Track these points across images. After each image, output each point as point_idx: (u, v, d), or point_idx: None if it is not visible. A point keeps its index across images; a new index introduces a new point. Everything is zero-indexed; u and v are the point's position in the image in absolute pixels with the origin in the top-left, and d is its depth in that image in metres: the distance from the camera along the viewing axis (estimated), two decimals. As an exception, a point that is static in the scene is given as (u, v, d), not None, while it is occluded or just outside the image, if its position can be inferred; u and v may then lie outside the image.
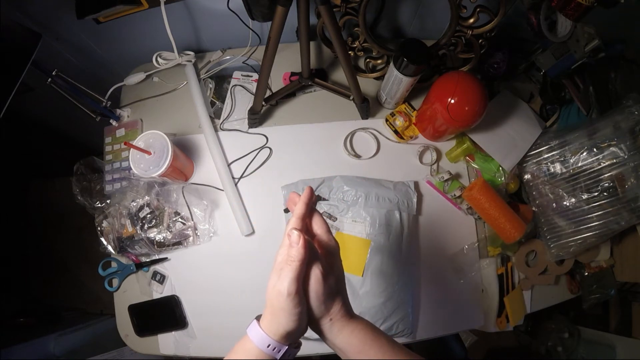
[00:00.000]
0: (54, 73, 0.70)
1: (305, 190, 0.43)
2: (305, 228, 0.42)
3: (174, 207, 0.75)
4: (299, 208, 0.41)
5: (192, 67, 0.86)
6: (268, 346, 0.37)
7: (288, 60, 0.87)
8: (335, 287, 0.40)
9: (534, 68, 0.90)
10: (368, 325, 0.42)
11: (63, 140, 1.19)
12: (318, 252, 0.40)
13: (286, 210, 0.77)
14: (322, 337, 0.41)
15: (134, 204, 0.73)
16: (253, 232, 0.79)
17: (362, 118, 0.86)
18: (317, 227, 0.43)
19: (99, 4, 0.67)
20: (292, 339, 0.39)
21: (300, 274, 0.37)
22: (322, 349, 0.74)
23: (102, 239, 0.75)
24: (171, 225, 0.74)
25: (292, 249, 0.38)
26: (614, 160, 0.73)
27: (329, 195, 0.78)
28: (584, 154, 0.76)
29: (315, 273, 0.38)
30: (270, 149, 0.84)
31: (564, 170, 0.79)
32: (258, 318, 0.40)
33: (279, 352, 0.38)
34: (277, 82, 0.88)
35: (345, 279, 0.43)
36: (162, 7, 0.69)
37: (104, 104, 0.81)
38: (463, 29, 0.75)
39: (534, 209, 0.82)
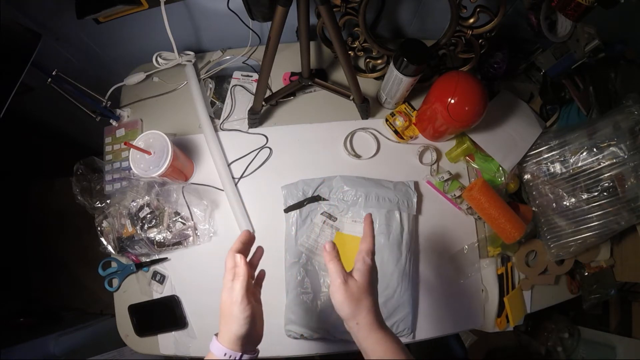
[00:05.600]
0: (54, 73, 0.70)
1: (242, 233, 0.52)
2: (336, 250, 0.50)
3: (174, 207, 0.75)
4: (234, 244, 0.50)
5: (192, 67, 0.86)
6: (225, 354, 0.45)
7: (288, 60, 0.87)
8: (358, 294, 0.46)
9: (534, 68, 0.90)
10: (395, 340, 0.46)
11: (63, 140, 1.19)
12: (341, 267, 0.47)
13: (286, 210, 0.78)
14: (353, 336, 0.47)
15: (134, 204, 0.73)
16: (253, 232, 0.79)
17: (362, 118, 0.86)
18: (364, 244, 0.50)
19: (99, 4, 0.67)
20: (245, 345, 0.46)
21: (247, 285, 0.46)
22: (322, 349, 0.74)
23: (102, 239, 0.75)
24: (171, 225, 0.74)
25: (237, 268, 0.47)
26: (614, 160, 0.73)
27: (329, 195, 0.78)
28: (584, 153, 0.76)
29: (336, 282, 0.46)
30: (270, 149, 0.84)
31: (564, 170, 0.79)
32: (217, 334, 0.48)
33: (234, 359, 0.45)
34: (277, 82, 0.88)
35: (375, 292, 0.48)
36: (162, 7, 0.69)
37: (104, 104, 0.81)
38: (463, 29, 0.75)
39: (534, 209, 0.82)
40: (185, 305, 0.77)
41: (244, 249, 0.51)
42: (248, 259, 0.51)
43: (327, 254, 0.48)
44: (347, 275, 0.47)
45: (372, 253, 0.50)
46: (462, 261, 0.80)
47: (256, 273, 0.55)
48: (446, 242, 0.81)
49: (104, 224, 0.75)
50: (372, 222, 0.53)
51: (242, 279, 0.46)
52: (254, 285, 0.52)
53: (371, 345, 0.45)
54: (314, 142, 0.84)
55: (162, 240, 0.74)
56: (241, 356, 0.46)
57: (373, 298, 0.47)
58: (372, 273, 0.48)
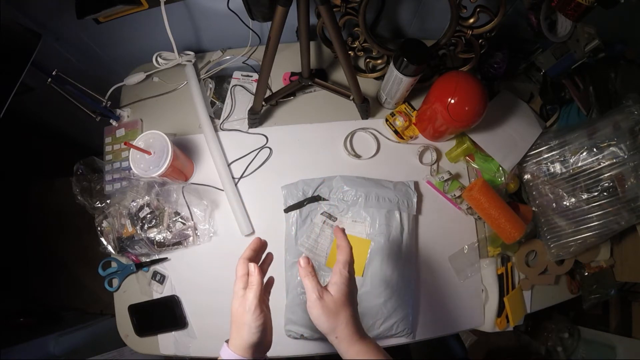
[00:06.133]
0: (54, 73, 0.70)
1: (254, 240, 0.53)
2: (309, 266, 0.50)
3: (174, 207, 0.75)
4: (245, 251, 0.51)
5: (192, 67, 0.86)
6: None
7: (288, 60, 0.87)
8: (334, 308, 0.46)
9: (534, 68, 0.90)
10: (376, 350, 0.47)
11: (63, 140, 1.19)
12: (316, 282, 0.47)
13: (286, 210, 0.78)
14: (336, 349, 0.48)
15: (134, 204, 0.73)
16: (253, 232, 0.79)
17: (362, 118, 0.86)
18: (340, 256, 0.50)
19: (99, 4, 0.67)
20: (256, 353, 0.46)
21: (260, 294, 0.47)
22: (322, 349, 0.74)
23: (102, 239, 0.75)
24: (171, 225, 0.74)
25: (251, 277, 0.47)
26: (614, 160, 0.73)
27: (329, 195, 0.78)
28: (584, 153, 0.76)
29: (312, 298, 0.46)
30: (270, 149, 0.84)
31: (564, 170, 0.79)
32: (227, 341, 0.47)
33: None
34: (277, 82, 0.88)
35: (353, 303, 0.48)
36: (162, 7, 0.69)
37: (104, 104, 0.81)
38: (463, 29, 0.75)
39: (534, 209, 0.82)
40: (185, 305, 0.77)
41: (255, 256, 0.51)
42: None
43: (302, 270, 0.48)
44: (322, 290, 0.47)
45: (349, 264, 0.49)
46: (462, 261, 0.79)
47: (265, 279, 0.54)
48: (446, 242, 0.81)
49: (104, 224, 0.75)
50: (344, 233, 0.52)
51: (255, 288, 0.46)
52: (263, 292, 0.52)
53: (353, 357, 0.46)
54: (314, 142, 0.84)
55: (162, 240, 0.74)
56: None
57: (351, 310, 0.47)
58: (350, 285, 0.48)
